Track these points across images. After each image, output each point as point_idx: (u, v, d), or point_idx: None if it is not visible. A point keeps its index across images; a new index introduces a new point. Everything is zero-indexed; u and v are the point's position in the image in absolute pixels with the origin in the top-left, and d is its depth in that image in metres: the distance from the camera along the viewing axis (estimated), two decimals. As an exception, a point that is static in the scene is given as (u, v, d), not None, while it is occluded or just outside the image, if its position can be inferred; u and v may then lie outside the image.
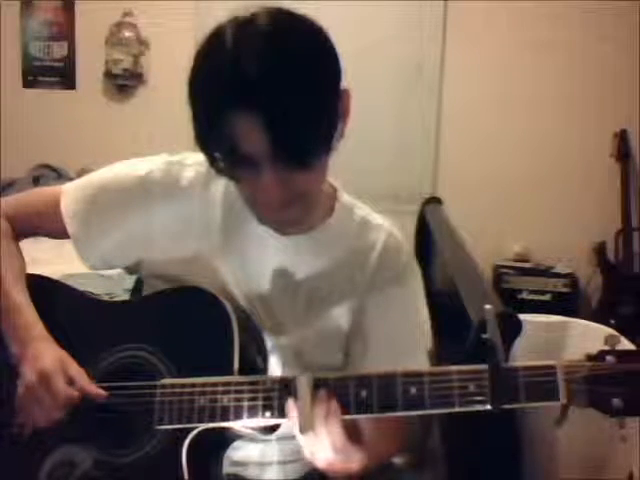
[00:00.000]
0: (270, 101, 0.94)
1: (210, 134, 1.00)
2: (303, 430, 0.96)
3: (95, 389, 1.09)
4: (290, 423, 0.99)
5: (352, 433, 1.01)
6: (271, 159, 0.98)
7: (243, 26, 0.97)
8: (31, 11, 4.03)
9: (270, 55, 0.94)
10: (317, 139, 0.99)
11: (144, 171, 1.20)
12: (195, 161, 1.19)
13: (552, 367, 0.95)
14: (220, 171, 1.04)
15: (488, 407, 0.95)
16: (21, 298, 1.17)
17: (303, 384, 0.98)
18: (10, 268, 1.20)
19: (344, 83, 1.04)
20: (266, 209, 1.06)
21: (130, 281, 1.37)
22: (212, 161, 1.03)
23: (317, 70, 0.97)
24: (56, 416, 1.08)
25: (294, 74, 0.95)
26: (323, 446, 0.99)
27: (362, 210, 1.22)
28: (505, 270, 3.71)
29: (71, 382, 1.08)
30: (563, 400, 0.94)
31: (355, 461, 1.02)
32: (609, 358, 0.94)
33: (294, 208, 1.06)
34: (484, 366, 0.95)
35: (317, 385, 0.99)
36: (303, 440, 1.00)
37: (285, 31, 0.98)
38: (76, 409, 1.08)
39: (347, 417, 0.99)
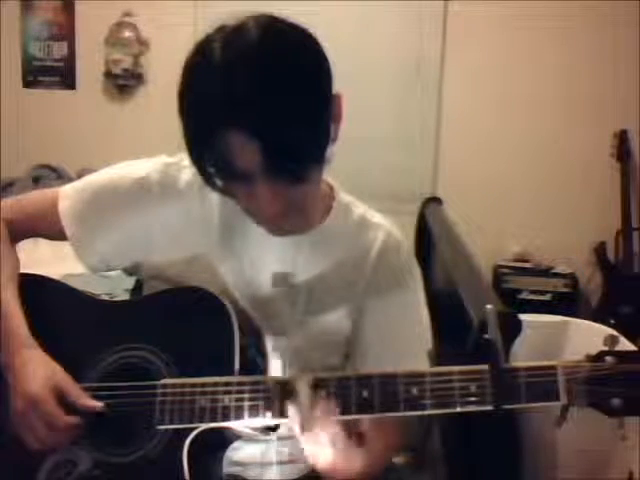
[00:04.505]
0: (261, 118, 0.93)
1: (203, 152, 1.00)
2: (303, 430, 0.96)
3: (91, 402, 1.08)
4: (290, 424, 0.99)
5: (353, 434, 1.01)
6: (266, 174, 0.98)
7: (231, 39, 0.96)
8: (31, 11, 4.02)
9: (259, 71, 0.93)
10: (311, 152, 0.99)
11: (142, 173, 1.20)
12: None
13: (553, 367, 0.95)
14: (216, 187, 1.04)
15: (489, 408, 0.95)
16: (9, 303, 1.15)
17: (303, 385, 0.98)
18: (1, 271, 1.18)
19: (335, 88, 1.03)
20: (264, 221, 1.07)
21: (130, 281, 1.37)
22: (207, 178, 1.03)
23: (308, 83, 0.97)
24: (56, 440, 1.07)
25: (285, 89, 0.94)
26: (323, 446, 0.99)
27: (360, 209, 1.22)
28: (505, 270, 3.70)
29: (64, 401, 1.06)
30: (564, 400, 0.94)
31: (356, 461, 1.02)
32: (609, 358, 0.94)
33: (292, 217, 1.06)
34: (485, 367, 0.95)
35: (316, 385, 0.99)
36: (304, 441, 1.00)
37: (273, 45, 0.96)
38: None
39: (348, 417, 0.99)
